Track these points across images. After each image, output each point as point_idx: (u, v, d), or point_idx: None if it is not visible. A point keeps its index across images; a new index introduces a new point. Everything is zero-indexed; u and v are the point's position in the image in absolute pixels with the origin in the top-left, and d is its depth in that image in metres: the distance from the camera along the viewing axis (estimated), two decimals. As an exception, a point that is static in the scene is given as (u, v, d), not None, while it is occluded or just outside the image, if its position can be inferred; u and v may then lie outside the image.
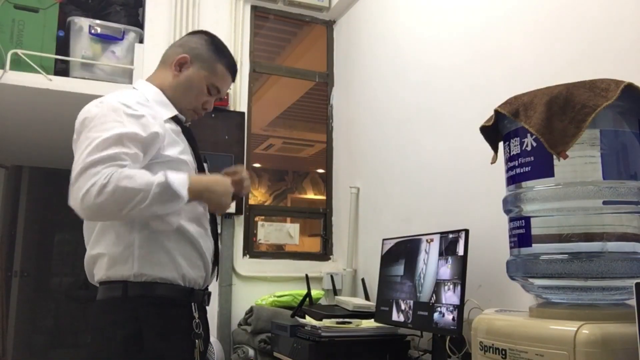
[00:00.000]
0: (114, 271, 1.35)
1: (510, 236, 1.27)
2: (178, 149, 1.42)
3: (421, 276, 1.86)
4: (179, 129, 1.48)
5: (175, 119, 1.49)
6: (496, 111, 1.28)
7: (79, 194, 1.23)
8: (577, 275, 1.11)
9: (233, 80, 1.61)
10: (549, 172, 1.16)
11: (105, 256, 1.37)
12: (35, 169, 5.03)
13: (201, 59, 1.53)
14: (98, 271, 1.39)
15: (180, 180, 1.31)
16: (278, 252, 3.25)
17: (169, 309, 1.36)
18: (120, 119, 1.33)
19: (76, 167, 1.26)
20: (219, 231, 1.50)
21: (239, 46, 3.05)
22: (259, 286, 2.85)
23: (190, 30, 2.91)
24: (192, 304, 1.41)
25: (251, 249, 2.98)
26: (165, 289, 1.36)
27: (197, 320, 1.40)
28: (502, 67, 1.89)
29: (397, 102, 2.56)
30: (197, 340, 1.38)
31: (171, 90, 1.51)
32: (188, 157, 1.45)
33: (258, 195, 5.47)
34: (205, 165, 1.54)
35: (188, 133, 1.52)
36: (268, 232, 3.02)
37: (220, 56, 1.55)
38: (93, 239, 1.40)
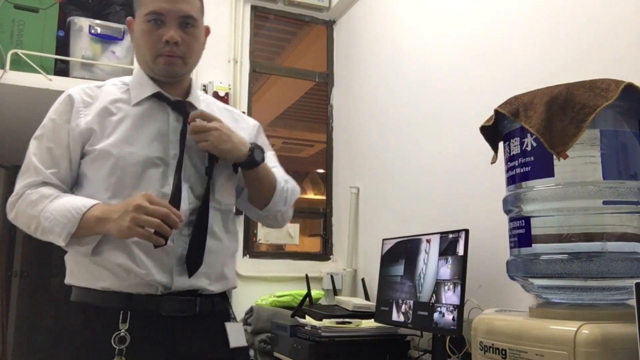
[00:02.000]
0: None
1: (510, 236, 1.27)
2: (109, 140, 1.25)
3: (421, 276, 1.86)
4: (153, 112, 1.30)
5: (158, 97, 1.31)
6: (496, 111, 1.28)
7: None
8: (577, 275, 1.11)
9: None
10: (549, 172, 1.16)
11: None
12: (35, 169, 5.02)
13: (134, 9, 1.33)
14: None
15: (60, 218, 1.19)
16: (278, 252, 3.25)
17: (88, 318, 1.22)
18: (51, 112, 1.34)
19: None
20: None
21: (239, 46, 3.05)
22: (259, 286, 2.85)
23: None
24: (123, 312, 1.19)
25: (251, 249, 2.98)
26: (89, 296, 1.23)
27: (122, 333, 1.17)
28: (502, 67, 1.89)
29: (397, 102, 2.56)
30: (116, 358, 1.16)
31: (138, 58, 1.35)
32: (125, 149, 1.24)
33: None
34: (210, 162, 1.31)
35: (179, 110, 1.31)
36: (268, 232, 3.02)
37: None
38: None
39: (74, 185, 1.32)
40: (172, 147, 1.28)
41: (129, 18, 1.36)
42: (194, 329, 1.25)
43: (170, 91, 1.34)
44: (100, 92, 1.32)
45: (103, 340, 1.18)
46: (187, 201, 1.27)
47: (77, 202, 1.21)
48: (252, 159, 1.32)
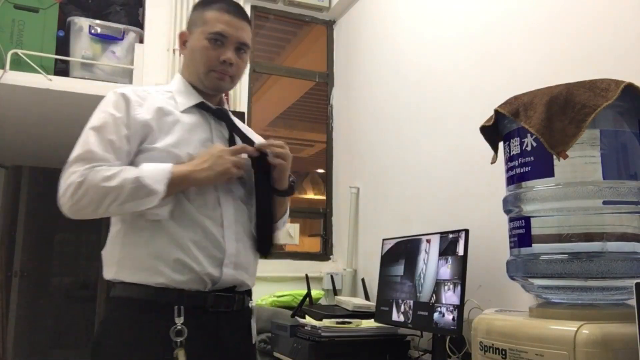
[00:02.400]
0: (104, 272, 1.36)
1: (510, 236, 1.27)
2: (169, 140, 1.33)
3: (421, 276, 1.86)
4: (199, 119, 1.40)
5: (202, 107, 1.42)
6: (496, 111, 1.28)
7: (59, 193, 1.26)
8: (577, 275, 1.11)
9: (237, 16, 1.42)
10: (549, 172, 1.16)
11: (102, 256, 1.37)
12: (35, 169, 5.03)
13: (193, 23, 1.44)
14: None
15: (156, 173, 1.25)
16: (278, 252, 3.25)
17: (141, 313, 1.27)
18: (105, 107, 1.34)
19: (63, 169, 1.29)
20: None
21: (239, 46, 3.05)
22: (259, 286, 2.82)
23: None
24: (177, 308, 1.26)
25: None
26: (141, 292, 1.27)
27: (178, 327, 1.25)
28: (502, 67, 1.89)
29: (397, 102, 2.56)
30: (178, 350, 1.24)
31: (187, 70, 1.46)
32: (185, 150, 1.34)
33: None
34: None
35: (222, 118, 1.44)
36: (268, 232, 3.01)
37: (207, 4, 1.44)
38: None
39: None
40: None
41: (184, 31, 1.48)
42: (231, 324, 1.36)
43: (209, 101, 1.46)
44: (148, 95, 1.39)
45: (161, 334, 1.25)
46: (231, 204, 1.39)
47: (159, 164, 1.28)
48: (292, 190, 1.49)
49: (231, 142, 1.43)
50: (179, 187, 1.29)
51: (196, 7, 1.47)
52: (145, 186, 1.23)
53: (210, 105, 1.44)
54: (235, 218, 1.38)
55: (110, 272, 1.33)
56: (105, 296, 1.38)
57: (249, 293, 1.46)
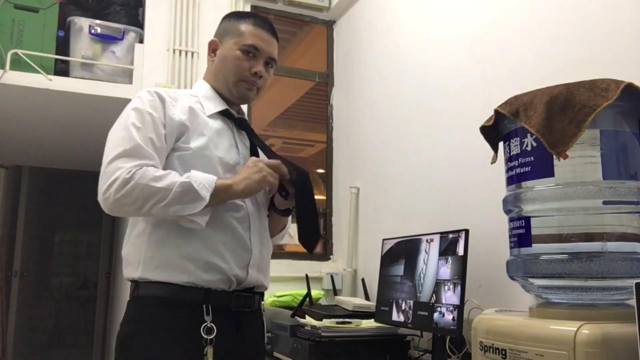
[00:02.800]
0: (127, 272, 1.37)
1: (510, 236, 1.27)
2: (201, 142, 1.38)
3: (421, 276, 1.86)
4: (223, 125, 1.46)
5: (226, 114, 1.48)
6: (496, 111, 1.28)
7: (102, 187, 1.26)
8: (577, 275, 1.11)
9: (270, 33, 1.50)
10: (549, 172, 1.16)
11: (124, 257, 1.39)
12: (35, 169, 5.03)
13: (226, 32, 1.50)
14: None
15: (204, 181, 1.29)
16: (278, 252, 3.25)
17: (170, 311, 1.30)
18: (142, 106, 1.35)
19: (104, 160, 1.29)
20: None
21: (239, 46, 3.05)
22: (259, 286, 2.85)
23: (190, 30, 2.92)
24: (205, 306, 1.31)
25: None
26: (168, 290, 1.31)
27: (208, 325, 1.30)
28: (502, 67, 1.89)
29: (397, 102, 2.56)
30: (208, 347, 1.29)
31: (214, 77, 1.50)
32: (215, 153, 1.39)
33: (258, 195, 5.47)
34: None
35: (243, 127, 1.51)
36: (268, 232, 3.02)
37: (242, 18, 1.51)
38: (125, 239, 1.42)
39: None
40: (241, 157, 1.46)
41: (215, 39, 1.52)
42: (250, 323, 1.42)
43: (231, 109, 1.51)
44: (178, 95, 1.43)
45: (193, 331, 1.29)
46: (255, 207, 1.45)
47: (205, 174, 1.31)
48: (290, 212, 1.55)
49: (253, 150, 1.49)
50: (222, 197, 1.32)
51: (229, 18, 1.53)
52: (193, 191, 1.26)
53: (234, 113, 1.50)
54: (259, 221, 1.46)
55: (134, 271, 1.34)
56: (131, 296, 1.36)
57: (262, 294, 1.53)
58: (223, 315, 1.33)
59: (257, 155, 1.48)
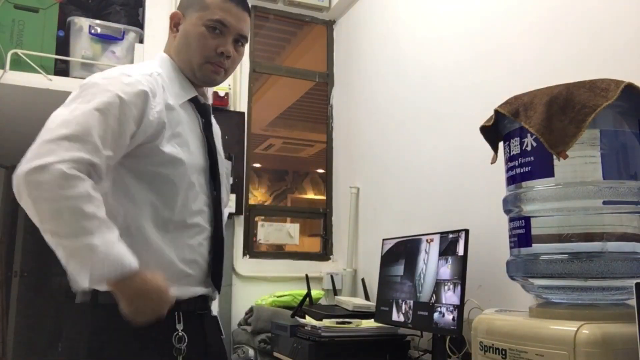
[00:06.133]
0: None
1: (510, 236, 1.27)
2: (175, 146, 1.24)
3: (421, 276, 1.86)
4: (192, 116, 1.32)
5: (193, 100, 1.33)
6: (496, 111, 1.28)
7: (30, 164, 1.06)
8: (577, 275, 1.11)
9: (240, 6, 1.33)
10: (549, 172, 1.16)
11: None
12: (35, 169, 5.02)
13: (189, 4, 1.33)
14: None
15: (110, 269, 1.06)
16: (278, 252, 3.25)
17: None
18: (120, 92, 1.15)
19: (41, 136, 1.09)
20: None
21: (239, 46, 3.05)
22: (259, 286, 2.85)
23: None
24: (176, 313, 1.22)
25: (251, 249, 2.98)
26: None
27: (180, 333, 1.22)
28: (502, 66, 1.89)
29: (397, 102, 2.56)
30: (179, 357, 1.21)
31: (176, 55, 1.34)
32: (189, 156, 1.27)
33: (258, 195, 5.47)
34: (229, 162, 1.38)
35: (206, 117, 1.35)
36: (268, 232, 3.02)
37: None
38: None
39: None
40: (201, 152, 1.33)
41: (177, 12, 1.36)
42: (209, 323, 1.35)
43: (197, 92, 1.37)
44: (155, 83, 1.25)
45: (165, 341, 1.21)
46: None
47: (127, 258, 1.09)
48: None
49: (210, 141, 1.36)
50: (113, 288, 1.11)
51: None
52: (87, 265, 1.06)
53: (200, 100, 1.37)
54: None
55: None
56: (90, 303, 1.24)
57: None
58: (191, 321, 1.26)
59: (214, 156, 1.35)
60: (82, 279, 1.07)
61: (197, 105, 1.36)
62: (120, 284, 1.09)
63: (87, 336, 1.20)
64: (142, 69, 1.28)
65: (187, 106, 1.33)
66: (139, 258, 1.12)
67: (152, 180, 1.24)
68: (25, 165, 1.07)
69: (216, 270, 1.35)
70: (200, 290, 1.31)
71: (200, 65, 1.32)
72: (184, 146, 1.27)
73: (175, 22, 1.37)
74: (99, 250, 1.05)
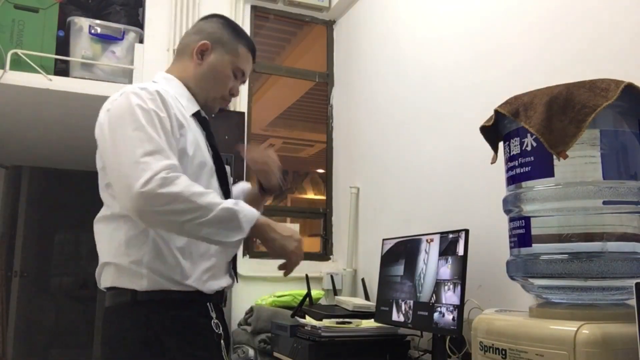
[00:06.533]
0: (121, 281, 1.29)
1: (510, 236, 1.27)
2: (193, 144, 1.35)
3: (421, 276, 1.86)
4: (199, 128, 1.43)
5: (196, 115, 1.44)
6: (496, 111, 1.28)
7: (139, 181, 1.15)
8: (577, 275, 1.11)
9: (254, 61, 1.55)
10: (549, 172, 1.16)
11: (111, 265, 1.30)
12: (35, 169, 5.03)
13: (222, 43, 1.46)
14: (105, 279, 1.33)
15: (249, 214, 1.26)
16: (278, 252, 3.25)
17: (183, 311, 1.29)
18: (145, 104, 1.27)
19: (127, 159, 1.19)
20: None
21: (239, 46, 3.05)
22: (259, 286, 2.85)
23: (190, 30, 2.92)
24: (208, 304, 1.34)
25: (251, 249, 2.98)
26: (176, 293, 1.29)
27: (215, 321, 1.34)
28: (502, 66, 1.89)
29: (397, 102, 2.56)
30: (221, 341, 1.33)
31: (195, 81, 1.45)
32: (205, 158, 1.39)
33: (258, 195, 5.47)
34: (228, 167, 1.50)
35: (207, 129, 1.47)
36: (268, 232, 3.01)
37: (240, 37, 1.49)
38: (99, 244, 1.34)
39: None
40: (210, 155, 1.44)
41: (206, 42, 1.45)
42: (223, 316, 1.44)
43: None
44: (165, 92, 1.35)
45: (207, 327, 1.33)
46: None
47: (250, 208, 1.30)
48: (281, 192, 1.63)
49: (215, 147, 1.48)
50: (255, 234, 1.30)
51: (226, 27, 1.49)
52: (236, 220, 1.24)
53: (202, 114, 1.48)
54: None
55: (136, 281, 1.30)
56: (130, 301, 1.31)
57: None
58: (217, 312, 1.37)
59: (220, 159, 1.47)
60: (234, 236, 1.24)
61: (199, 118, 1.46)
62: (258, 227, 1.28)
63: (133, 330, 1.27)
64: (150, 85, 1.37)
65: (191, 119, 1.42)
66: (195, 247, 1.32)
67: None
68: (139, 180, 1.17)
69: (234, 263, 1.48)
70: (224, 282, 1.41)
71: (214, 99, 1.48)
72: (198, 147, 1.38)
73: (202, 51, 1.46)
74: (236, 208, 1.24)
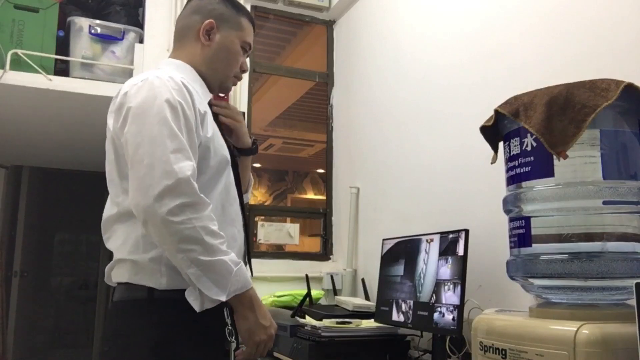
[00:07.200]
0: (138, 278, 1.25)
1: (510, 236, 1.27)
2: (214, 135, 1.33)
3: (421, 276, 1.86)
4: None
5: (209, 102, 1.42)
6: (496, 111, 1.28)
7: (154, 190, 1.12)
8: (577, 275, 1.11)
9: (254, 32, 1.50)
10: (549, 172, 1.16)
11: (127, 262, 1.26)
12: (35, 169, 5.02)
13: (225, 19, 1.40)
14: (119, 275, 1.29)
15: (242, 280, 1.21)
16: (278, 252, 3.25)
17: (199, 315, 1.20)
18: (172, 97, 1.22)
19: (153, 150, 1.15)
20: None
21: (239, 46, 3.05)
22: (259, 286, 2.81)
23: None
24: (225, 308, 1.27)
25: (251, 249, 2.98)
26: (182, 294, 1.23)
27: (229, 328, 1.27)
28: (502, 66, 1.89)
29: (397, 102, 2.56)
30: (232, 352, 1.28)
31: (207, 64, 1.40)
32: (225, 152, 1.36)
33: (258, 195, 5.47)
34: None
35: (217, 119, 1.42)
36: (268, 232, 3.02)
37: (240, 10, 1.45)
38: (114, 241, 1.30)
39: None
40: (226, 148, 1.40)
41: (211, 21, 1.39)
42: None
43: None
44: (188, 83, 1.32)
45: (219, 333, 1.26)
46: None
47: (245, 275, 1.24)
48: (255, 148, 1.55)
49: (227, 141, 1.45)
50: (235, 303, 1.24)
51: (223, 1, 1.42)
52: (227, 280, 1.18)
53: (212, 100, 1.46)
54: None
55: (155, 279, 1.26)
56: (147, 298, 1.29)
57: None
58: (232, 319, 1.31)
59: (232, 151, 1.43)
60: (214, 293, 1.17)
61: (210, 106, 1.43)
62: (242, 298, 1.22)
63: (147, 328, 1.23)
64: (166, 73, 1.32)
65: (208, 109, 1.39)
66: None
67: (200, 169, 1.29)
68: (147, 192, 1.15)
69: (250, 262, 1.45)
70: None
71: (229, 78, 1.45)
72: (218, 143, 1.35)
73: (207, 30, 1.40)
74: (234, 269, 1.19)
